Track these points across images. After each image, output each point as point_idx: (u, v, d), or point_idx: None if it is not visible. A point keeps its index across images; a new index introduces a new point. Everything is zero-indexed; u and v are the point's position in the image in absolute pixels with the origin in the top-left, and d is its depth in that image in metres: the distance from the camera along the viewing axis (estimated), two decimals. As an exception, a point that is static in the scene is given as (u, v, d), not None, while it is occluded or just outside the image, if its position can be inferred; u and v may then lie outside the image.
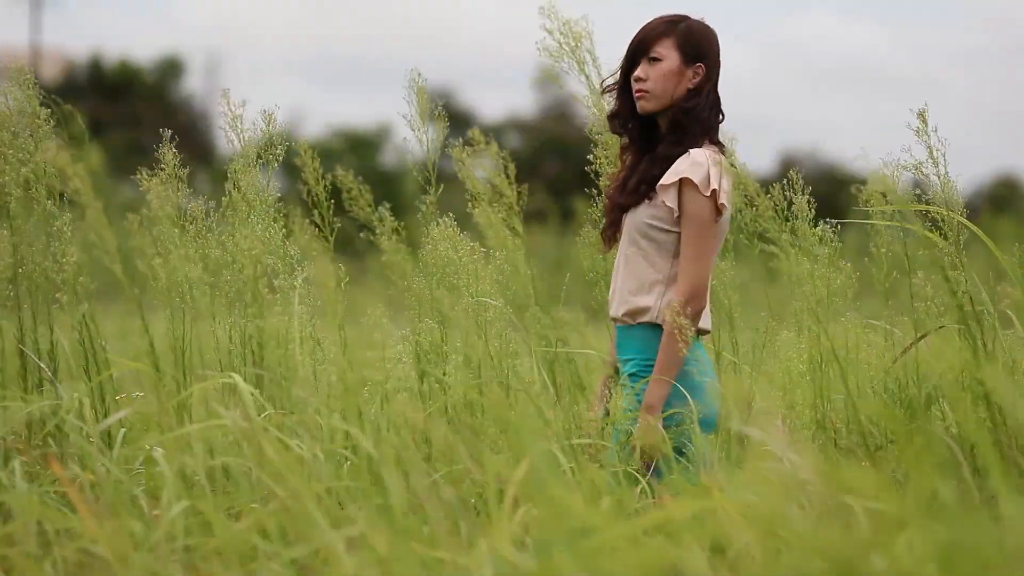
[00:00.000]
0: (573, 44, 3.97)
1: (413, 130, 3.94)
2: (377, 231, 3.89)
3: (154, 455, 2.73)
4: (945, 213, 3.44)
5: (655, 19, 3.56)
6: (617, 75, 3.59)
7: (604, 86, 3.65)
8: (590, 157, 3.92)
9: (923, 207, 3.50)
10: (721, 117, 3.57)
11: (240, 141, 3.74)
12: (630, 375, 3.48)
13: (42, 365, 3.18)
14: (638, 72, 3.52)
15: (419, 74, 3.92)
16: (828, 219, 3.72)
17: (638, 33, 3.54)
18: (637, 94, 3.52)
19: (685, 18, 3.55)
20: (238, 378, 2.86)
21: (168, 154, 3.58)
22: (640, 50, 3.52)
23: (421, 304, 3.70)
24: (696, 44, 3.51)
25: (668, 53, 3.50)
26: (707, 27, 3.57)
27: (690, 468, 3.22)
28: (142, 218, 3.34)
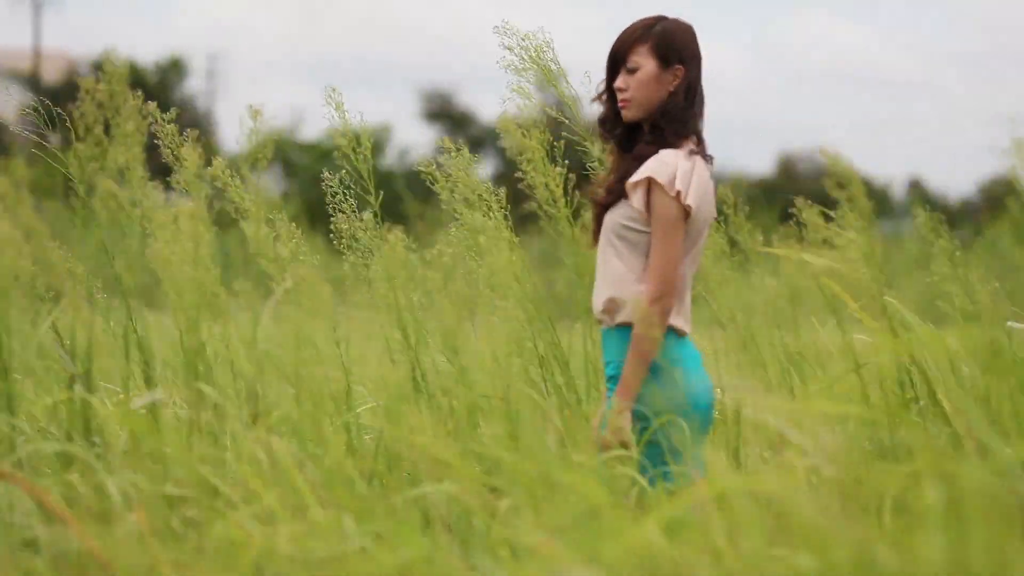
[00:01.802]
0: (535, 56, 3.98)
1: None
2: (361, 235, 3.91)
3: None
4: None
5: (630, 25, 3.55)
6: (603, 84, 3.58)
7: (597, 93, 3.64)
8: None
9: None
10: (701, 114, 3.53)
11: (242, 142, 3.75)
12: (609, 377, 3.48)
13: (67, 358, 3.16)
14: (618, 82, 3.51)
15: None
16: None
17: (615, 42, 3.54)
18: (620, 104, 3.51)
19: (660, 19, 3.54)
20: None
21: (192, 153, 3.60)
22: (617, 59, 3.52)
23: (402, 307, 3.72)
24: (672, 46, 3.49)
25: (644, 60, 3.49)
26: (683, 25, 3.54)
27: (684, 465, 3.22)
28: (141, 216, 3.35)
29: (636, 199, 3.43)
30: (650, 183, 3.41)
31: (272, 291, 3.31)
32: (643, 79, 3.48)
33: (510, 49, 3.97)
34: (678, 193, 3.38)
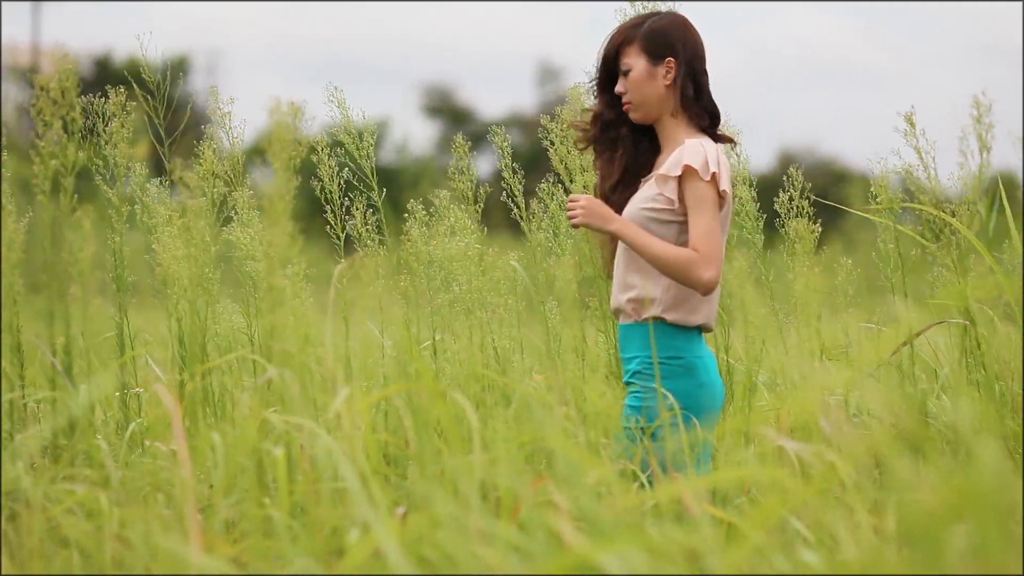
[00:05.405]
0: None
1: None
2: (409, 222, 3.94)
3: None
4: (932, 212, 3.48)
5: (619, 26, 3.49)
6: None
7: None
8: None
9: (917, 207, 3.54)
10: (708, 101, 3.47)
11: (229, 139, 3.79)
12: (633, 373, 3.39)
13: (55, 361, 3.16)
14: (618, 88, 3.47)
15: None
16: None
17: (604, 45, 3.47)
18: (625, 108, 3.47)
19: (649, 16, 3.49)
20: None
21: (208, 151, 3.63)
22: (608, 63, 3.47)
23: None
24: (660, 40, 3.42)
25: (635, 61, 3.44)
26: (673, 18, 3.48)
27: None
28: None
29: (668, 189, 3.35)
30: (683, 170, 3.32)
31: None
32: (636, 80, 3.43)
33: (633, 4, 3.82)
34: (713, 175, 3.31)
